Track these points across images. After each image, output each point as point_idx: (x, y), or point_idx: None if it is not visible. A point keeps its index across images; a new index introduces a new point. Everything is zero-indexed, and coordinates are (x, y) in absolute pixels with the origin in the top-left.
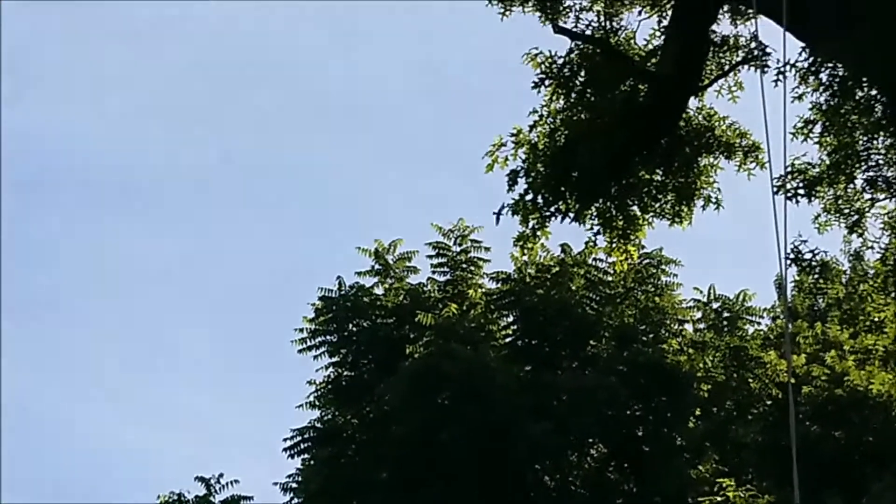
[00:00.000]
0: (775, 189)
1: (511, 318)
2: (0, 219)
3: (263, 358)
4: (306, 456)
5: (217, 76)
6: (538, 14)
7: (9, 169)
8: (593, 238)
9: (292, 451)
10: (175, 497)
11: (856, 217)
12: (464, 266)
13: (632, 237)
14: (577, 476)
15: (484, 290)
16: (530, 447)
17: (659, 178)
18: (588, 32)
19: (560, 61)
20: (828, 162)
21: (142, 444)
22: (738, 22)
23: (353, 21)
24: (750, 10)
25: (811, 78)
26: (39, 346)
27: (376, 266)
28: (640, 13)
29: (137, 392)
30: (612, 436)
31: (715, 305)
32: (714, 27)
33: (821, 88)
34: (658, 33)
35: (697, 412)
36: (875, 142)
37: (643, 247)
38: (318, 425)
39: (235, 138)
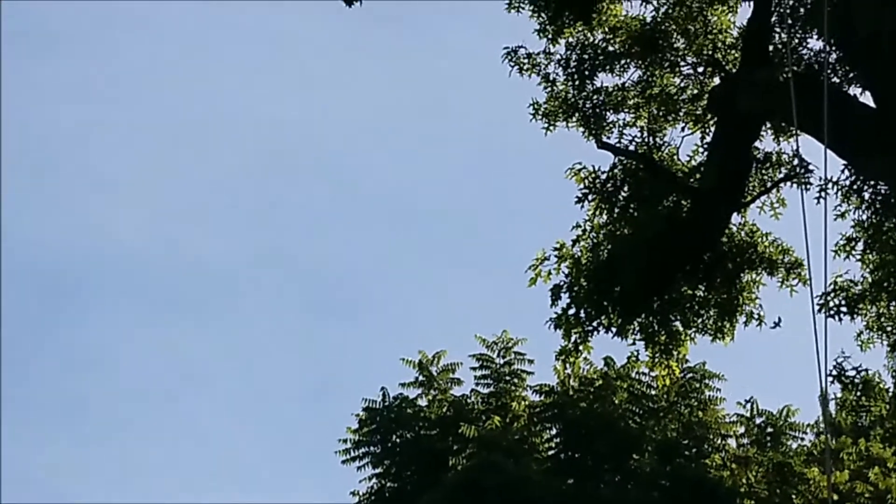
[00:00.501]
0: (818, 307)
1: (554, 431)
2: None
3: (308, 467)
4: None
5: (255, 171)
6: (582, 129)
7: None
8: (636, 353)
9: None
10: None
11: None
12: (507, 378)
13: (674, 352)
14: None
15: (527, 402)
16: None
17: (701, 293)
18: (631, 148)
19: (603, 176)
20: (870, 279)
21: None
22: (780, 139)
23: (398, 125)
24: (792, 128)
25: (853, 196)
26: (81, 446)
27: (420, 377)
28: (682, 129)
29: (180, 496)
30: None
31: (758, 420)
32: (756, 144)
33: (863, 206)
34: (701, 149)
35: None
36: None
37: (686, 361)
38: None
39: (276, 236)
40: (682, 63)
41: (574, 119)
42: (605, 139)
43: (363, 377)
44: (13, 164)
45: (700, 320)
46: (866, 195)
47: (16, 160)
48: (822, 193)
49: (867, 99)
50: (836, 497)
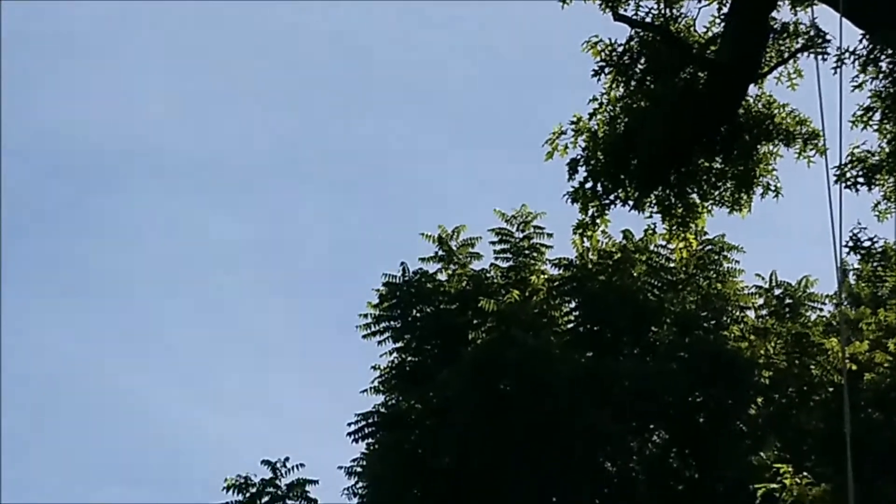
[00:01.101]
0: (834, 178)
1: (573, 305)
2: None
3: (330, 341)
4: (371, 440)
5: (288, 57)
6: (598, 2)
7: (82, 152)
8: (652, 226)
9: (356, 436)
10: (242, 480)
11: None
12: (526, 252)
13: (691, 225)
14: (639, 462)
15: (546, 276)
16: (591, 433)
17: (718, 165)
18: (648, 20)
19: (620, 49)
20: (887, 150)
21: (209, 427)
22: (797, 9)
23: (420, 7)
24: None
25: (870, 66)
26: (111, 327)
27: (439, 252)
28: (699, 1)
29: (205, 374)
30: (673, 422)
31: (777, 292)
32: (773, 14)
33: (880, 76)
34: (718, 21)
35: (759, 399)
36: None
37: (704, 233)
38: (382, 410)
39: (300, 118)
40: None
41: None
42: (621, 11)
43: (383, 253)
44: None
45: (717, 192)
46: (884, 65)
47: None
48: (839, 64)
49: None
50: (854, 367)
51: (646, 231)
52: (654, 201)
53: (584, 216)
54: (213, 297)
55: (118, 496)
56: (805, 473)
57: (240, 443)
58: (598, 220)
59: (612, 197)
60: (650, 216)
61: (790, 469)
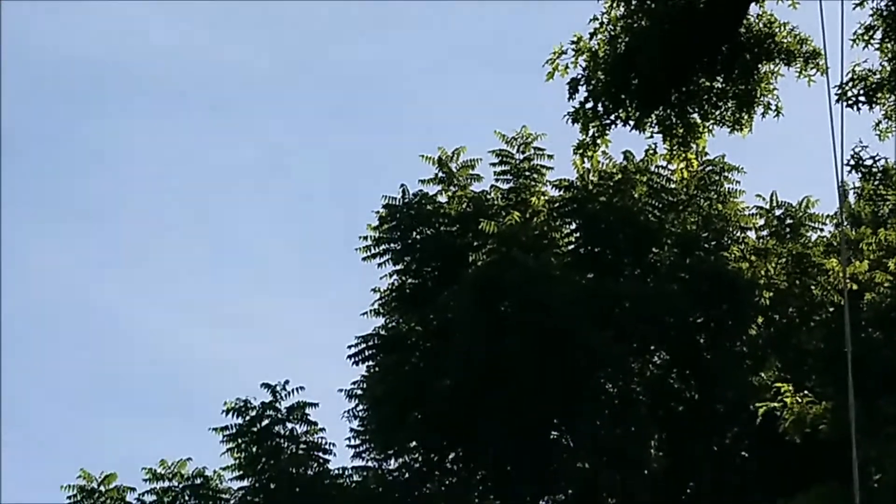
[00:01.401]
0: (835, 97)
1: (573, 226)
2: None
3: (330, 265)
4: (371, 363)
5: None
6: None
7: (78, 74)
8: (653, 146)
9: (357, 358)
10: (241, 404)
11: None
12: (527, 174)
13: (692, 144)
14: (639, 383)
15: (546, 197)
16: (592, 355)
17: (719, 85)
18: None
19: None
20: (889, 68)
21: (208, 349)
22: None
23: None
24: None
25: None
26: (110, 250)
27: (439, 174)
28: None
29: (204, 296)
30: (674, 343)
31: (777, 212)
32: None
33: None
34: None
35: (759, 319)
36: None
37: (705, 154)
38: (383, 332)
39: (299, 40)
40: None
41: None
42: None
43: (382, 176)
44: None
45: (718, 112)
46: None
47: None
48: None
49: None
50: (854, 286)
51: (647, 151)
52: (654, 121)
53: (584, 136)
54: (212, 220)
55: (117, 426)
56: (806, 392)
57: (239, 367)
58: (598, 141)
59: (612, 117)
60: (651, 136)
61: (791, 388)
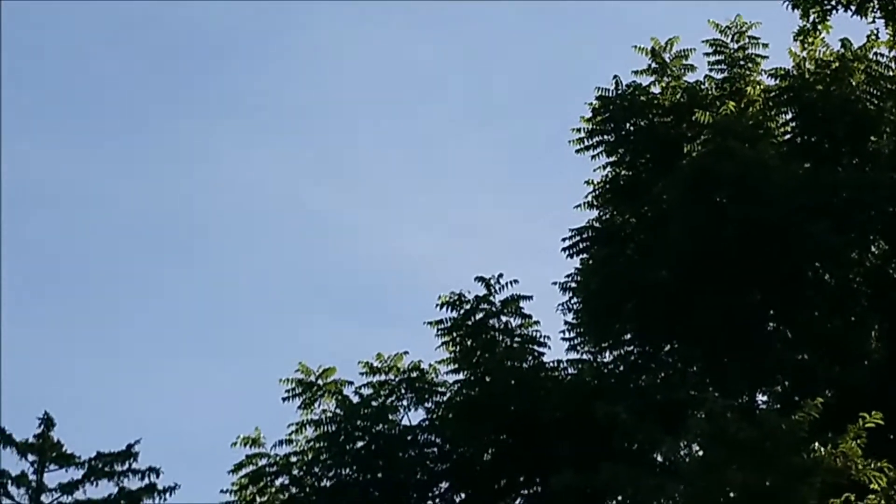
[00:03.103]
0: None
1: (790, 115)
2: None
3: (542, 160)
4: (585, 256)
5: None
6: None
7: None
8: (875, 31)
9: (571, 251)
10: (455, 297)
11: None
12: (741, 63)
13: None
14: (858, 273)
15: (762, 86)
16: (810, 245)
17: None
18: None
19: None
20: None
21: (422, 251)
22: None
23: None
24: None
25: None
26: (320, 155)
27: (653, 65)
28: None
29: (416, 199)
30: (893, 232)
31: None
32: None
33: None
34: None
35: None
36: None
37: None
38: (597, 225)
39: None
40: None
41: None
42: None
43: (595, 69)
44: None
45: None
46: None
47: None
48: None
49: None
50: None
51: (868, 37)
52: (877, 5)
53: (805, 22)
54: (420, 124)
55: (325, 323)
56: None
57: (452, 266)
58: (819, 27)
59: (833, 1)
60: (873, 21)
61: None
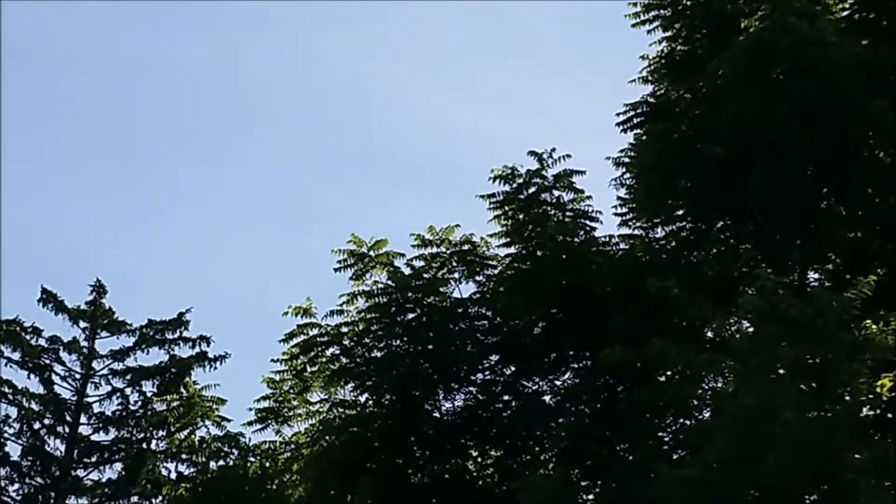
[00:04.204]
0: None
1: None
2: None
3: (598, 35)
4: (639, 131)
5: None
6: None
7: None
8: None
9: (625, 126)
10: (508, 171)
11: None
12: None
13: None
14: None
15: None
16: (867, 123)
17: None
18: None
19: None
20: None
21: (477, 126)
22: None
23: None
24: None
25: None
26: (380, 30)
27: None
28: None
29: (474, 76)
30: None
31: None
32: None
33: None
34: None
35: None
36: None
37: None
38: (651, 100)
39: None
40: None
41: None
42: None
43: None
44: None
45: None
46: None
47: None
48: None
49: None
50: None
51: None
52: None
53: None
54: None
55: (379, 195)
56: None
57: (506, 140)
58: None
59: None
60: None
61: None
